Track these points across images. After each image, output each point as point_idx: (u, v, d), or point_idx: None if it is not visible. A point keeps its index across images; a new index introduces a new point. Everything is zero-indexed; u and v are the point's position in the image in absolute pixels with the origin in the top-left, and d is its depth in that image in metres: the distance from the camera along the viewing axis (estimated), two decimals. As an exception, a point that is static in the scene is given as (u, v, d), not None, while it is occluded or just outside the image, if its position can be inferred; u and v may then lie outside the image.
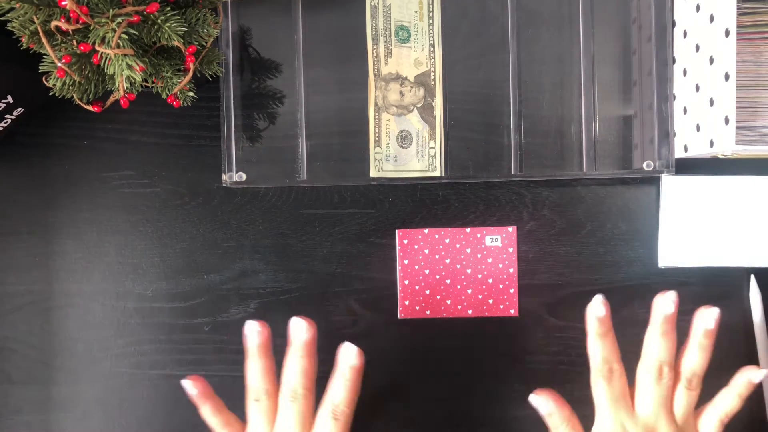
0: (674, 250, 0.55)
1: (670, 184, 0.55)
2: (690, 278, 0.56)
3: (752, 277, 0.55)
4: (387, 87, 0.54)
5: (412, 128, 0.55)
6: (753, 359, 0.55)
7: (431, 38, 0.54)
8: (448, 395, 0.56)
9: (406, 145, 0.55)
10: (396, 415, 0.56)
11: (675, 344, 0.46)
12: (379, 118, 0.54)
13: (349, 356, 0.44)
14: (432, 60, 0.55)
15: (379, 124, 0.54)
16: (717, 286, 0.56)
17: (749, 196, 0.55)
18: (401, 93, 0.54)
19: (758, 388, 0.55)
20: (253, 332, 0.45)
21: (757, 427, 0.55)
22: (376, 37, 0.54)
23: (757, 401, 0.55)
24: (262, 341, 0.45)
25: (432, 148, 0.55)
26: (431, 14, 0.54)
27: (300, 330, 0.45)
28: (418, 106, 0.55)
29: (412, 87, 0.54)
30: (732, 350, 0.56)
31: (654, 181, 0.56)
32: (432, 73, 0.55)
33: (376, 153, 0.54)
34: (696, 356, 0.46)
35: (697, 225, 0.55)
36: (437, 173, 0.55)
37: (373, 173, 0.54)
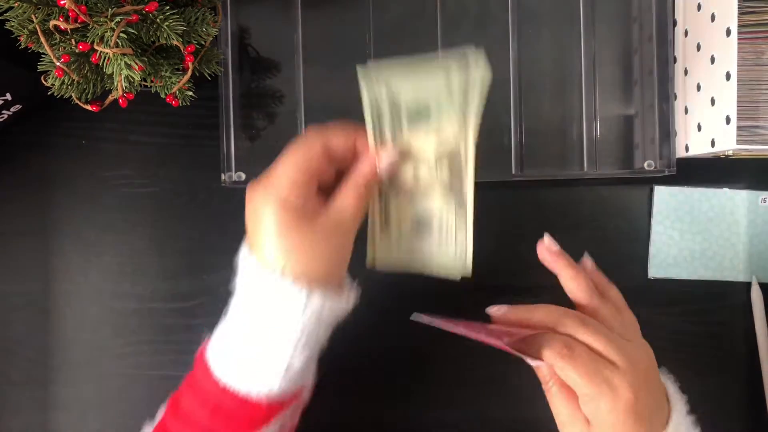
0: (665, 261, 0.55)
1: (663, 194, 0.55)
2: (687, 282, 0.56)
3: (753, 277, 0.55)
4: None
5: (432, 215, 0.44)
6: (753, 360, 0.55)
7: (463, 109, 0.42)
8: (452, 398, 0.56)
9: (422, 234, 0.45)
10: (395, 417, 0.56)
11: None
12: (385, 204, 0.44)
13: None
14: (463, 135, 0.43)
15: (385, 211, 0.45)
16: (718, 286, 0.56)
17: (741, 209, 0.55)
18: (415, 176, 0.44)
19: (758, 383, 0.55)
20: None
21: (757, 423, 0.55)
22: (382, 129, 0.43)
23: (757, 398, 0.55)
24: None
25: (461, 241, 0.44)
26: (468, 93, 0.41)
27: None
28: (439, 189, 0.44)
29: (431, 169, 0.44)
30: (733, 351, 0.55)
31: (655, 182, 0.55)
32: (462, 152, 0.43)
33: (381, 242, 0.45)
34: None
35: (688, 237, 0.55)
36: (467, 272, 0.44)
37: (378, 265, 0.45)
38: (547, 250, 0.46)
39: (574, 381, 0.40)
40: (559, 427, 0.44)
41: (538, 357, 0.40)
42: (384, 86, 0.42)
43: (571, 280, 0.45)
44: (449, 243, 0.45)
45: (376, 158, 0.43)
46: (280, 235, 0.40)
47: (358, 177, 0.42)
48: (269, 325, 0.40)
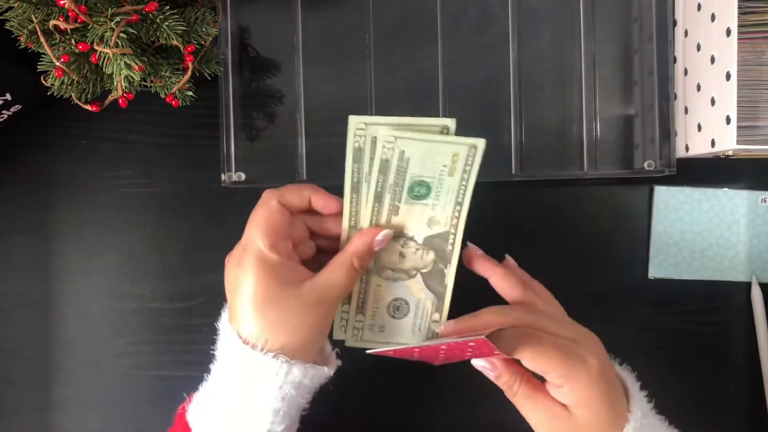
0: (665, 261, 0.55)
1: (663, 194, 0.55)
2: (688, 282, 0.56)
3: (753, 277, 0.55)
4: None
5: (411, 297, 0.45)
6: (753, 360, 0.55)
7: (461, 195, 0.43)
8: (446, 401, 0.56)
9: (399, 315, 0.45)
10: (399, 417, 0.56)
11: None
12: (366, 282, 0.44)
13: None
14: (455, 221, 0.43)
15: (365, 289, 0.45)
16: (718, 286, 0.56)
17: (741, 209, 0.55)
18: (401, 254, 0.44)
19: (758, 383, 0.55)
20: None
21: (757, 423, 0.55)
22: (380, 193, 0.42)
23: (757, 398, 0.55)
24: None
25: (435, 321, 0.45)
26: (468, 167, 0.42)
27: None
28: (424, 271, 0.44)
29: (418, 249, 0.44)
30: (733, 351, 0.55)
31: (655, 182, 0.55)
32: (452, 236, 0.43)
33: (356, 321, 0.45)
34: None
35: (688, 237, 0.55)
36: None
37: (349, 342, 0.45)
38: (473, 255, 0.46)
39: (548, 366, 0.40)
40: (537, 427, 0.43)
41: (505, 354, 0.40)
42: (399, 150, 0.41)
43: (503, 279, 0.45)
44: (423, 328, 0.45)
45: (373, 236, 0.42)
46: (260, 309, 0.39)
47: (353, 253, 0.42)
48: (249, 395, 0.40)
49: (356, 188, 0.42)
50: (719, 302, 0.56)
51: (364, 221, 0.43)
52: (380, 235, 0.42)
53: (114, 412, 0.55)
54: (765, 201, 0.55)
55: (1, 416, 0.55)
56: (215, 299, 0.55)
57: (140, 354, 0.55)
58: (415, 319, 0.45)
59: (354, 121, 0.41)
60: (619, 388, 0.43)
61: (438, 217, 0.43)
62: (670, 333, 0.56)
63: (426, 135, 0.41)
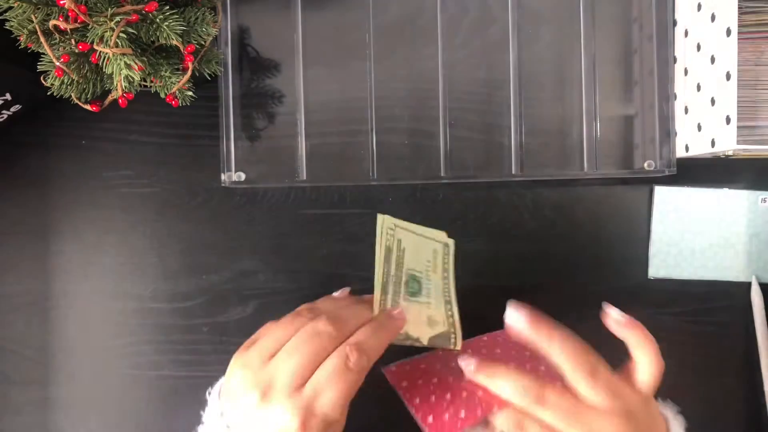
0: (665, 261, 0.55)
1: (663, 194, 0.55)
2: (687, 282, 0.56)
3: (753, 277, 0.55)
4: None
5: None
6: (753, 360, 0.55)
7: (447, 294, 0.44)
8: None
9: None
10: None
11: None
12: None
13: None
14: (451, 319, 0.44)
15: None
16: (718, 286, 0.56)
17: (741, 209, 0.55)
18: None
19: (758, 383, 0.55)
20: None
21: (757, 423, 0.55)
22: (386, 284, 0.42)
23: (757, 398, 0.55)
24: None
25: None
26: (446, 266, 0.44)
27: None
28: None
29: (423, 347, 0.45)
30: (733, 351, 0.55)
31: (655, 182, 0.55)
32: (452, 335, 0.44)
33: None
34: None
35: (688, 237, 0.55)
36: None
37: None
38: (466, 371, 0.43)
39: None
40: None
41: None
42: (398, 239, 0.43)
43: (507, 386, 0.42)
44: None
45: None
46: None
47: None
48: None
49: (386, 289, 0.43)
50: (719, 302, 0.56)
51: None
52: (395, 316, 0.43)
53: (114, 412, 0.55)
54: (765, 201, 0.55)
55: (1, 416, 0.55)
56: (215, 299, 0.55)
57: (140, 354, 0.55)
58: None
59: (381, 221, 0.43)
60: None
61: (435, 316, 0.44)
62: (670, 333, 0.56)
63: (415, 227, 0.43)
